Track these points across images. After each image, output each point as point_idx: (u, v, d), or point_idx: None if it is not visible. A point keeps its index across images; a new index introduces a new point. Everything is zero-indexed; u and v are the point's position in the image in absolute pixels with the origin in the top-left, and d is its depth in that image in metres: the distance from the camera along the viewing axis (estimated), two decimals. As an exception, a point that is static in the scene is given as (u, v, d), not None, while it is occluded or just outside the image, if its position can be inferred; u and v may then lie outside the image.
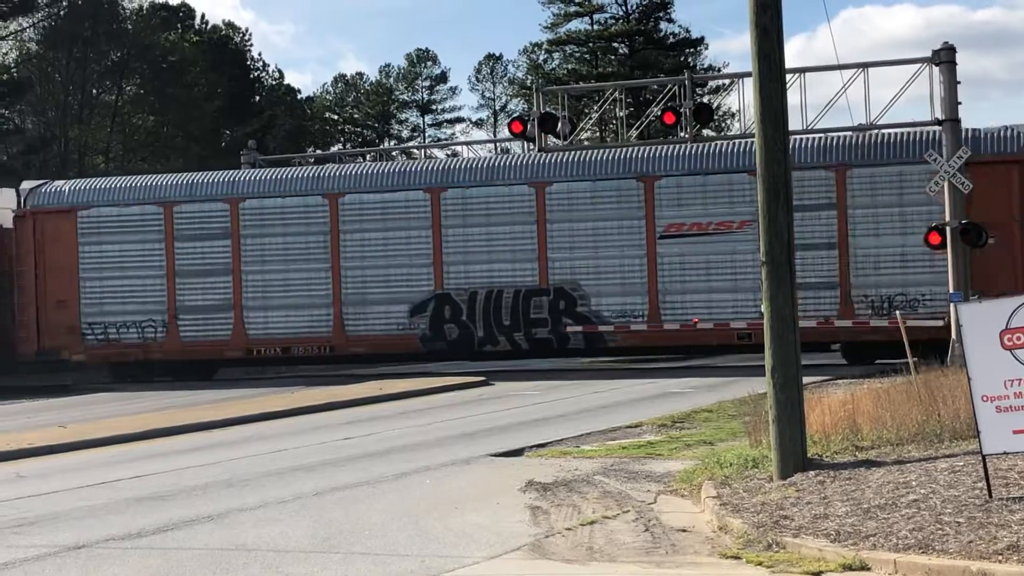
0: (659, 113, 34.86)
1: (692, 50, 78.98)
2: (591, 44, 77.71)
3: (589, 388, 29.73)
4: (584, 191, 35.49)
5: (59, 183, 40.01)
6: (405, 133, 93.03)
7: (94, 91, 64.37)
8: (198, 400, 31.08)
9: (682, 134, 34.34)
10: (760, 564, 10.72)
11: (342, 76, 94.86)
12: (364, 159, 54.34)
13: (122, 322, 37.98)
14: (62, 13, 61.64)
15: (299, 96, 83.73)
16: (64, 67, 61.57)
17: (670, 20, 78.05)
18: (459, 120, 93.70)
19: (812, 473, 13.74)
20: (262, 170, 38.58)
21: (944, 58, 30.81)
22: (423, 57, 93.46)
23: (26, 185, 39.87)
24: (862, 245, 33.49)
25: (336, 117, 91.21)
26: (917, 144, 32.86)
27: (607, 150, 36.99)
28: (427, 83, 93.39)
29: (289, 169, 39.58)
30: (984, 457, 11.92)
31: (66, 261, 38.12)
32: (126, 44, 63.02)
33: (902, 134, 33.54)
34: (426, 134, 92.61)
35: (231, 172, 39.00)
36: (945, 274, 31.03)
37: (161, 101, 63.90)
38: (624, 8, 77.23)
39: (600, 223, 35.31)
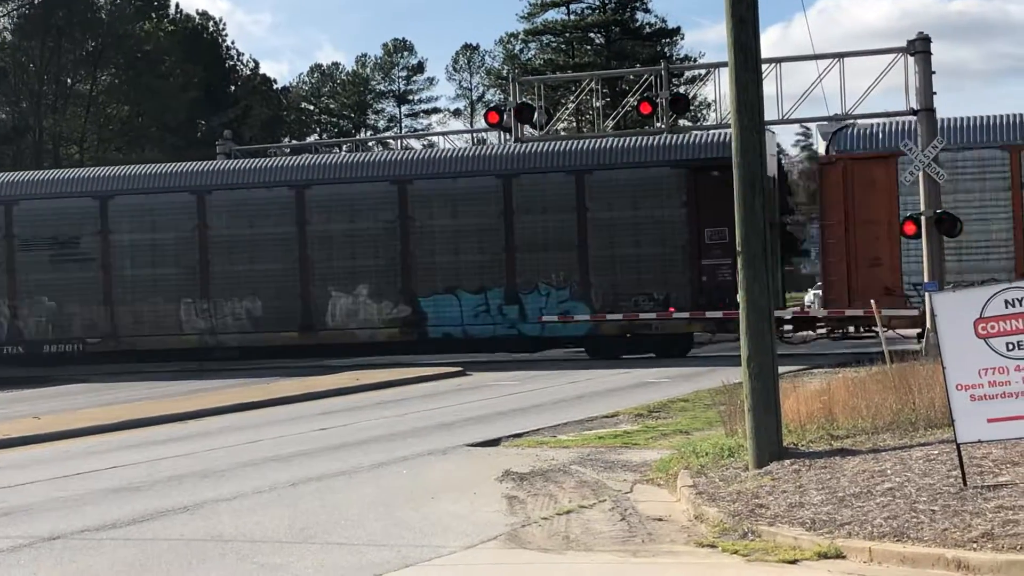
0: (635, 103, 34.92)
1: (668, 40, 79.14)
2: (567, 34, 77.78)
3: (566, 378, 29.75)
4: None
5: (867, 122, 34.47)
6: (382, 123, 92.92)
7: (68, 80, 64.06)
8: (173, 391, 30.96)
9: (658, 124, 34.39)
10: (736, 553, 10.75)
11: (318, 66, 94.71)
12: (340, 149, 54.20)
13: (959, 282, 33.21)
14: (36, 2, 61.30)
15: (275, 86, 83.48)
16: (38, 56, 61.24)
17: (647, 10, 78.31)
18: (436, 110, 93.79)
19: (787, 462, 13.78)
20: None
21: (919, 48, 30.90)
22: (399, 47, 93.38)
23: (827, 127, 34.92)
24: None
25: (312, 107, 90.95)
26: None
27: None
28: (404, 73, 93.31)
29: None
30: (959, 446, 11.97)
31: (881, 213, 33.23)
32: (100, 33, 62.73)
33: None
34: (403, 124, 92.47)
35: None
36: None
37: (136, 91, 63.61)
38: (600, -2, 77.30)
39: None
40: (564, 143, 36.80)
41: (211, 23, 77.19)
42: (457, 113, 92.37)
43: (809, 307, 38.79)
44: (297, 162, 38.22)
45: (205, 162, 39.40)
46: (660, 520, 12.47)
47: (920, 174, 29.81)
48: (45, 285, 37.75)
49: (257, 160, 39.64)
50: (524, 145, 36.03)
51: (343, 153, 39.28)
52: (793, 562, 10.35)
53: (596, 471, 15.60)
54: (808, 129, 35.12)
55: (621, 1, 77.02)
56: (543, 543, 11.68)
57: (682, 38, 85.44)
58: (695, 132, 37.23)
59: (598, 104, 39.68)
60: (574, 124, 68.27)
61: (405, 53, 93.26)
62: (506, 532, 12.17)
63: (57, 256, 37.71)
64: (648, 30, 78.08)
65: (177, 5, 73.35)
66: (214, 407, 25.60)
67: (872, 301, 24.65)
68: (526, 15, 79.43)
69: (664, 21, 78.80)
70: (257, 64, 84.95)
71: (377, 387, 29.34)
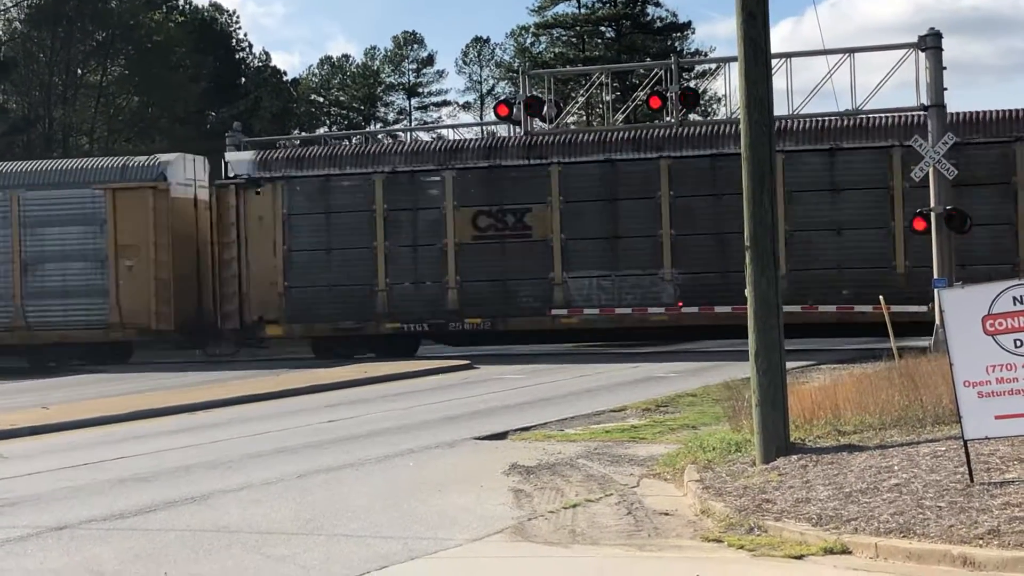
0: (645, 97, 34.88)
1: (679, 34, 78.97)
2: (578, 28, 77.65)
3: (574, 372, 29.74)
4: None
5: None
6: (391, 116, 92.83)
7: (79, 71, 64.10)
8: (182, 382, 31.03)
9: (668, 118, 34.34)
10: (742, 547, 10.76)
11: (328, 58, 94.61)
12: (350, 142, 54.17)
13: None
14: (47, -8, 61.39)
15: (285, 78, 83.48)
16: (49, 47, 61.30)
17: (657, 4, 78.12)
18: (446, 103, 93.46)
19: (794, 457, 13.78)
20: None
21: (930, 44, 30.81)
22: (410, 40, 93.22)
23: None
24: None
25: (322, 99, 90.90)
26: None
27: None
28: (414, 66, 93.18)
29: None
30: (966, 442, 11.97)
31: None
32: (111, 24, 62.76)
33: None
34: (412, 117, 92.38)
35: None
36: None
37: (146, 82, 63.62)
38: (611, -8, 77.19)
39: None
40: None
41: (224, 15, 77.27)
42: (467, 106, 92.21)
43: None
44: None
45: None
46: (666, 514, 12.47)
47: (930, 170, 29.74)
48: None
49: None
50: None
51: None
52: (799, 557, 10.34)
53: (603, 465, 15.61)
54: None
55: (632, -5, 76.95)
56: (549, 536, 11.69)
57: (693, 32, 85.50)
58: None
59: (608, 98, 39.75)
60: (584, 118, 68.23)
61: (415, 46, 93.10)
62: (512, 525, 12.18)
63: None
64: (659, 24, 77.96)
65: (187, -4, 73.44)
66: (222, 398, 25.65)
67: (881, 298, 24.55)
68: (536, 8, 79.34)
69: (675, 15, 78.71)
70: (268, 56, 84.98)
71: (384, 380, 29.36)
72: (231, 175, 37.93)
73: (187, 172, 38.75)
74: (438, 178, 36.46)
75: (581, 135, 35.59)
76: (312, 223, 37.14)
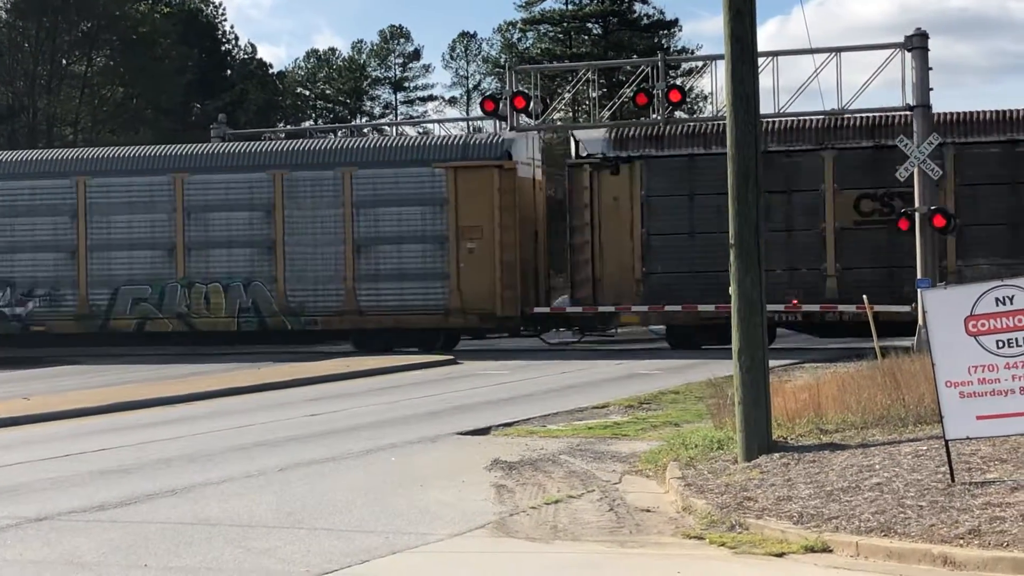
0: (632, 94, 34.89)
1: (666, 32, 79.09)
2: (565, 24, 77.72)
3: (557, 368, 29.75)
4: None
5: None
6: (377, 110, 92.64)
7: (63, 61, 63.83)
8: (164, 374, 30.94)
9: (654, 115, 34.35)
10: (723, 545, 10.76)
11: (314, 51, 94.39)
12: (336, 135, 54.07)
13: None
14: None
15: (270, 71, 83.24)
16: (33, 36, 61.03)
17: (644, 1, 78.20)
18: (432, 98, 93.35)
19: (776, 455, 13.79)
20: None
21: (916, 44, 30.88)
22: (396, 34, 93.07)
23: None
24: None
25: (308, 93, 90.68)
26: None
27: None
28: (400, 60, 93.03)
29: None
30: (947, 442, 11.99)
31: None
32: (96, 15, 62.49)
33: None
34: (398, 111, 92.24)
35: None
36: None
37: (131, 73, 63.37)
38: (599, -12, 77.22)
39: None
40: None
41: (209, 6, 76.97)
42: (453, 101, 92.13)
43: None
44: None
45: None
46: (648, 511, 12.48)
47: (915, 170, 29.79)
48: None
49: None
50: None
51: None
52: (780, 555, 10.36)
53: (585, 461, 15.60)
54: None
55: (619, -8, 77.00)
56: (531, 532, 11.68)
57: (680, 30, 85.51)
58: None
59: (594, 94, 39.66)
60: (570, 114, 68.17)
61: (402, 40, 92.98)
62: (494, 521, 12.17)
63: None
64: (646, 21, 78.06)
65: (172, -14, 73.11)
66: (204, 391, 25.58)
67: (864, 297, 24.61)
68: (524, 4, 79.41)
69: (662, 13, 78.81)
70: (254, 48, 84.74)
71: (367, 374, 29.33)
72: (583, 154, 35.97)
73: (528, 150, 37.12)
74: (816, 159, 34.45)
75: (982, 114, 33.55)
76: (673, 205, 35.22)
